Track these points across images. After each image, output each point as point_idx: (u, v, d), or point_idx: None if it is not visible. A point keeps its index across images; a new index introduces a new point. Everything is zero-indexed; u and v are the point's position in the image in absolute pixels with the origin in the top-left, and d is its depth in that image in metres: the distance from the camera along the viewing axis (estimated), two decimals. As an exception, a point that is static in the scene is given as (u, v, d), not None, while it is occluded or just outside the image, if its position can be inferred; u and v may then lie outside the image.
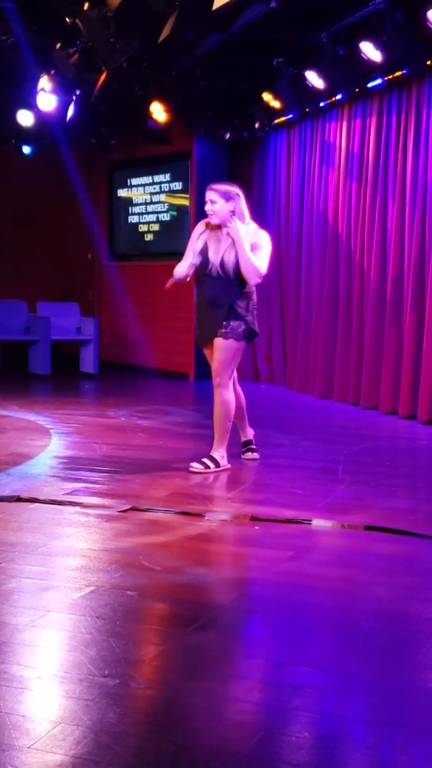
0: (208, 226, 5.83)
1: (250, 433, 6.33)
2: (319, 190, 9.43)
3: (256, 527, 4.51)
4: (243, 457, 6.19)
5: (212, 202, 5.69)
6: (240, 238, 5.66)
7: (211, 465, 5.79)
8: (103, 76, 7.83)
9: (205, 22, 6.78)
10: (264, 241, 5.85)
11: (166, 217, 11.60)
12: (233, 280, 5.76)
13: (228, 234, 5.71)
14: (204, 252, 5.79)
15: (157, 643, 3.15)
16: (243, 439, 6.32)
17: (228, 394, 5.81)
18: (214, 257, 5.75)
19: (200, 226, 5.89)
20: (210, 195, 5.71)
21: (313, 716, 2.58)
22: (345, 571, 3.90)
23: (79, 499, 4.97)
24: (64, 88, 8.63)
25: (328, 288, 9.21)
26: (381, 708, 2.63)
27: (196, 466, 5.76)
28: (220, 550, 4.17)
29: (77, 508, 4.80)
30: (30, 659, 2.92)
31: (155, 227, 11.75)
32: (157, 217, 11.71)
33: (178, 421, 7.75)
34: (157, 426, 7.49)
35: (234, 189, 5.77)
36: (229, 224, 5.70)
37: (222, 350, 5.77)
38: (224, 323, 5.78)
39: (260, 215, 10.66)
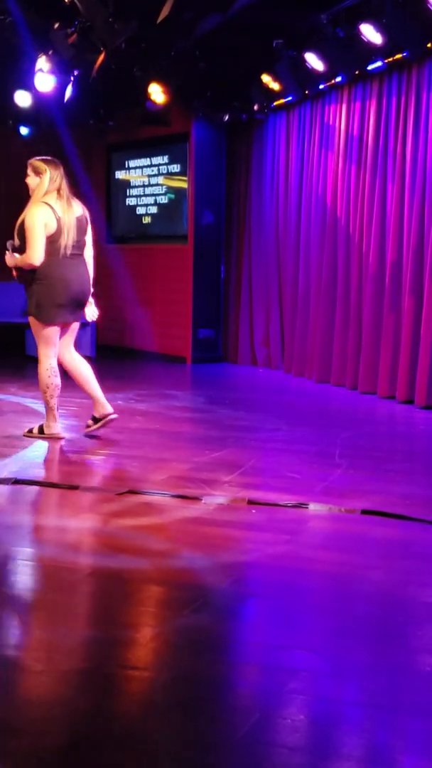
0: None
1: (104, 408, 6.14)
2: (318, 172, 9.39)
3: (253, 511, 4.51)
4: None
5: (27, 175, 6.01)
6: (12, 262, 5.92)
7: (35, 432, 6.06)
8: (101, 57, 7.77)
9: (204, 2, 6.74)
10: (28, 222, 5.83)
11: (164, 199, 11.55)
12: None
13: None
14: None
15: (153, 625, 3.15)
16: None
17: (39, 366, 5.95)
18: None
19: None
20: (28, 169, 6.01)
21: (308, 699, 2.59)
22: (341, 556, 3.91)
23: (76, 482, 4.97)
24: (62, 69, 8.57)
25: (327, 272, 9.18)
26: (377, 692, 2.64)
27: (27, 433, 6.06)
28: (217, 534, 4.17)
29: (74, 491, 4.80)
30: (26, 641, 2.92)
31: (153, 210, 11.71)
32: (155, 200, 11.66)
33: (176, 405, 7.75)
34: (155, 410, 7.48)
35: (44, 165, 5.96)
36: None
37: (31, 326, 6.02)
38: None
39: (259, 197, 10.63)
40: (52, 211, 5.84)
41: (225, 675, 2.76)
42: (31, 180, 5.97)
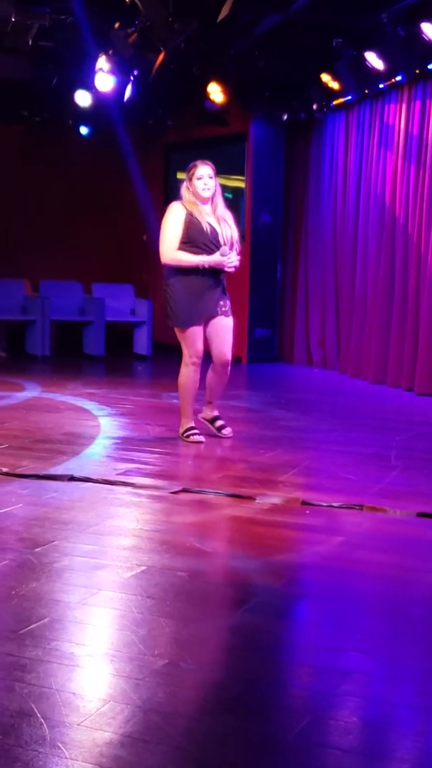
0: (190, 204, 5.88)
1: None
2: (377, 172, 9.32)
3: (307, 512, 4.50)
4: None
5: (210, 177, 5.88)
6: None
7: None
8: (161, 57, 7.82)
9: (265, 2, 6.73)
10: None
11: (221, 199, 11.57)
12: None
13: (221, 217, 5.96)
14: (211, 228, 5.88)
15: (206, 624, 3.16)
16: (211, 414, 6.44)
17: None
18: (222, 232, 5.93)
19: (180, 209, 5.89)
20: (209, 171, 5.87)
21: (361, 701, 2.57)
22: (396, 558, 3.88)
23: (131, 480, 5.00)
24: (122, 69, 8.64)
25: (384, 272, 9.12)
26: (430, 695, 2.62)
27: (228, 431, 6.23)
28: (271, 534, 4.17)
29: (129, 489, 4.83)
30: (81, 637, 2.95)
31: (210, 209, 11.72)
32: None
33: (231, 405, 7.74)
34: (210, 408, 7.47)
35: None
36: (228, 263, 6.01)
37: (230, 329, 6.18)
38: (222, 302, 6.09)
39: (317, 197, 10.59)
40: None
41: (277, 675, 2.76)
42: (215, 182, 5.93)
